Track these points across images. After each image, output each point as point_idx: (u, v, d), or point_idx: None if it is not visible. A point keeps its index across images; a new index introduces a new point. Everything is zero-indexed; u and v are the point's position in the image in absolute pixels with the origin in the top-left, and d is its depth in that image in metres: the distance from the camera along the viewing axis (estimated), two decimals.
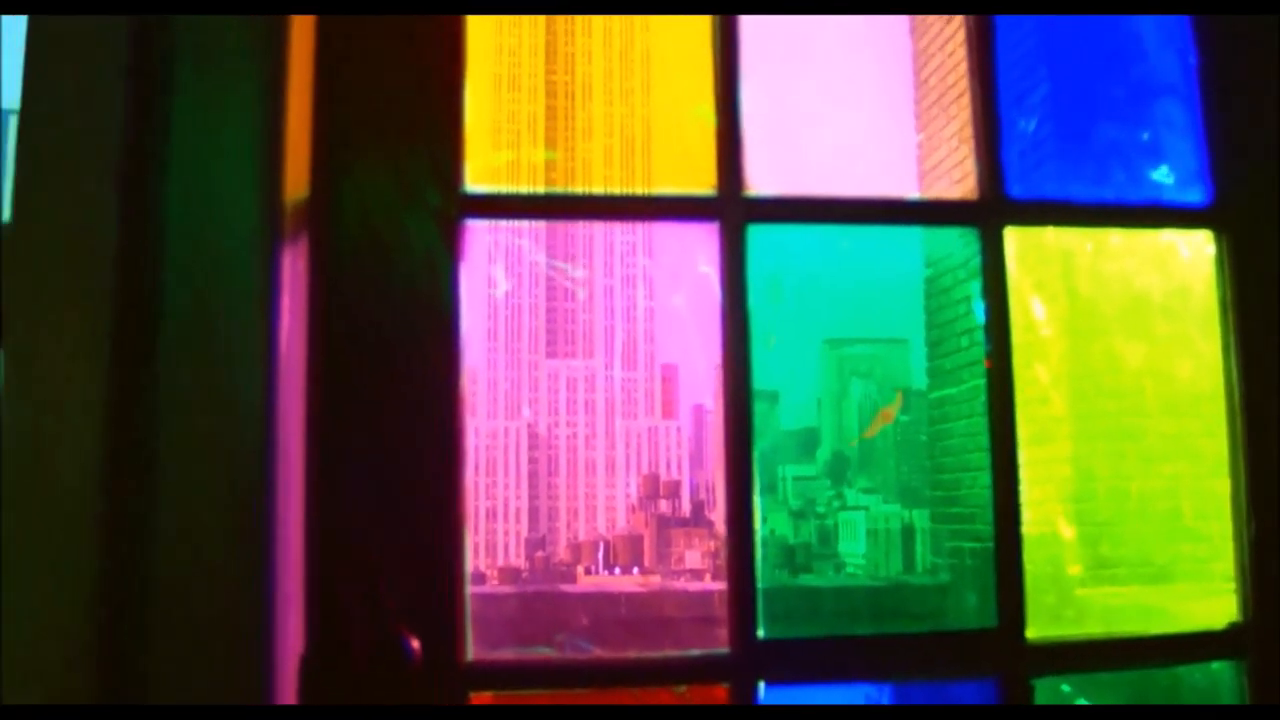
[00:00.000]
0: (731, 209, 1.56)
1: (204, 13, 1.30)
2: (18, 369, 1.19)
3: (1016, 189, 1.70)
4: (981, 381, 1.68)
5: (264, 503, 1.24)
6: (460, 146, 1.52)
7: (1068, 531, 6.00)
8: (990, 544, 1.68)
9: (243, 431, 1.23)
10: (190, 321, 1.24)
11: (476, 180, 1.53)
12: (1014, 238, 1.68)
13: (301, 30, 1.42)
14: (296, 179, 1.39)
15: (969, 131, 1.76)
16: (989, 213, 1.67)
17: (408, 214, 1.48)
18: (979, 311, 1.70)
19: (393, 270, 1.47)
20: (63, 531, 1.18)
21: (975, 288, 1.73)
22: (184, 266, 1.25)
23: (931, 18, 7.46)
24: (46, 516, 1.18)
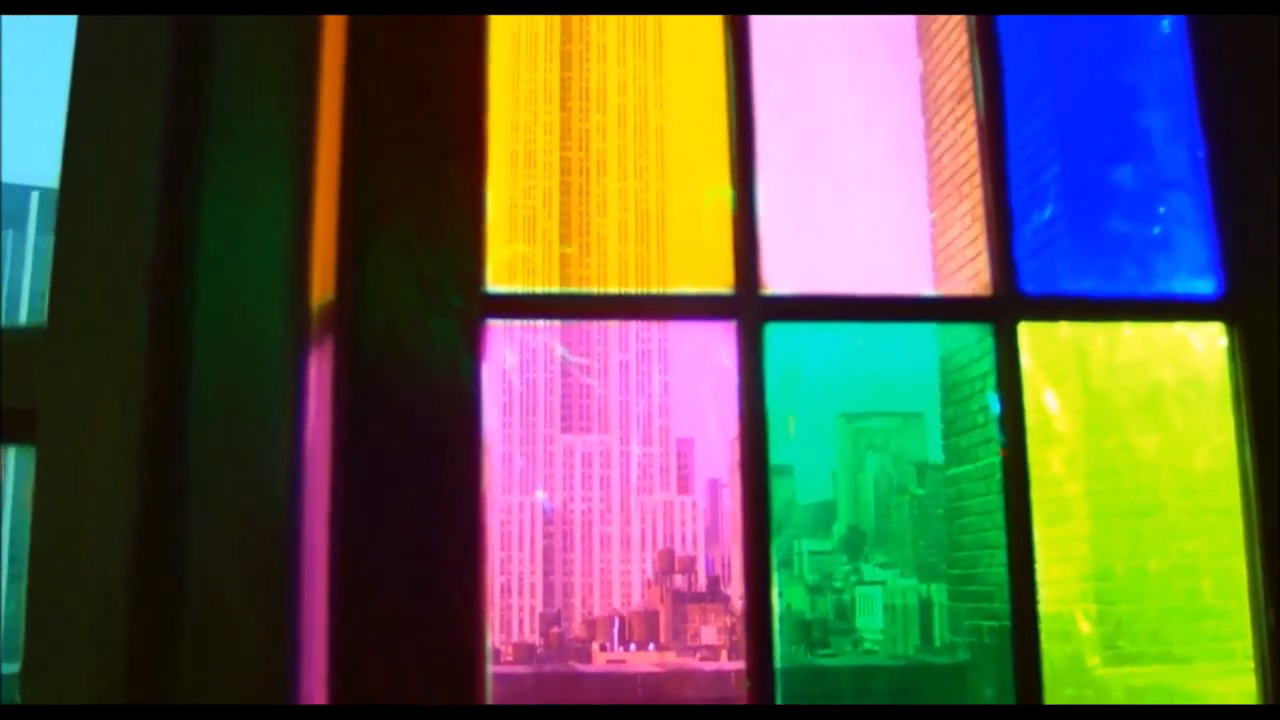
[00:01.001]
0: (748, 308, 1.59)
1: (231, 106, 1.33)
2: (50, 467, 1.21)
3: (1030, 284, 1.72)
4: (997, 459, 1.69)
5: (290, 599, 1.26)
6: (482, 248, 1.55)
7: (1088, 610, 5.97)
8: (1009, 623, 1.67)
9: (271, 529, 1.25)
10: (219, 421, 1.26)
11: (495, 262, 1.56)
12: (1028, 331, 1.69)
13: (328, 129, 1.45)
14: (323, 279, 1.41)
15: (981, 210, 1.78)
16: (1003, 309, 1.69)
17: (430, 315, 1.51)
18: (993, 402, 1.72)
19: (416, 371, 1.49)
20: (93, 631, 1.19)
21: (990, 364, 1.74)
22: (213, 368, 1.27)
23: (944, 98, 7.54)
24: (77, 615, 1.19)
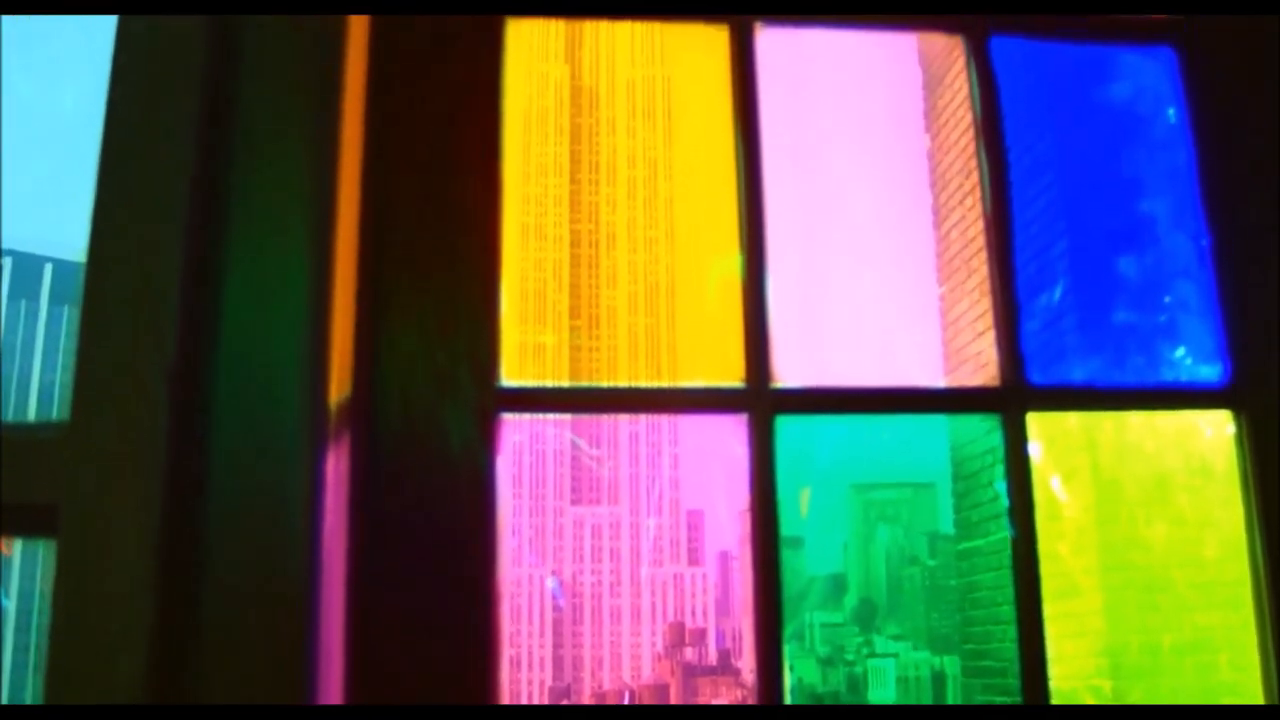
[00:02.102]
0: (760, 402, 1.60)
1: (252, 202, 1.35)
2: (71, 563, 1.23)
3: (1038, 368, 1.73)
4: (1008, 535, 1.68)
5: (309, 690, 1.26)
6: (496, 341, 1.57)
7: (1101, 687, 5.93)
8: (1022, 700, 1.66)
9: (290, 625, 1.26)
10: (239, 517, 1.27)
11: (507, 348, 1.58)
12: (1036, 419, 1.70)
13: (346, 221, 1.47)
14: (340, 373, 1.43)
15: (989, 285, 1.79)
16: (1011, 400, 1.70)
17: (446, 408, 1.53)
18: (1002, 486, 1.72)
19: (432, 464, 1.51)
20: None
21: (998, 440, 1.75)
22: (233, 463, 1.28)
23: (951, 173, 7.59)
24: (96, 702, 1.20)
